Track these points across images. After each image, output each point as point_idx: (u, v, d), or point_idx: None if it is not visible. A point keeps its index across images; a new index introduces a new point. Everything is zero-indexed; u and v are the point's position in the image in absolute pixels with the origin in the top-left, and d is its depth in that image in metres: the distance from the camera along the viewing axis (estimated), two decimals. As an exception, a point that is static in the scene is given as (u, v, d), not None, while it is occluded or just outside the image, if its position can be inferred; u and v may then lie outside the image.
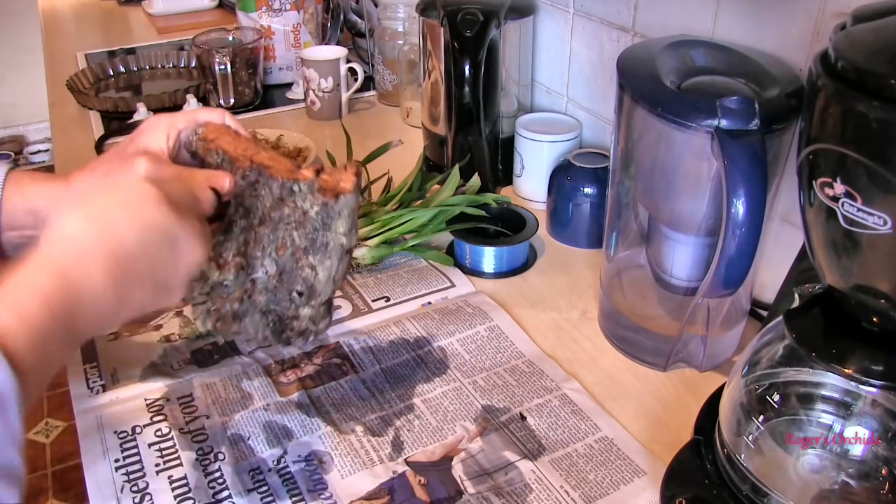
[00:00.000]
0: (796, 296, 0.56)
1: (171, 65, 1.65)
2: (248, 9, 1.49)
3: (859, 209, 0.44)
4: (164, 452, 0.69)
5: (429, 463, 0.67)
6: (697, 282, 0.71)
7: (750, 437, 0.57)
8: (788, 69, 0.70)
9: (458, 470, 0.67)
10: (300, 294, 0.63)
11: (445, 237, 0.98)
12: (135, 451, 0.69)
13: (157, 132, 0.67)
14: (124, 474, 0.67)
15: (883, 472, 0.54)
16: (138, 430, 0.71)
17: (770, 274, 0.77)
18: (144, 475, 0.67)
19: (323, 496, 0.65)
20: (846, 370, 0.50)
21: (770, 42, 0.76)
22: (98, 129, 1.35)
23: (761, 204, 0.59)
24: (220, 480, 0.66)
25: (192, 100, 1.39)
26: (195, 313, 0.62)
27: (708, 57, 0.71)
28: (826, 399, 0.56)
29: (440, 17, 1.02)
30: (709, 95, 0.63)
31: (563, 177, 0.98)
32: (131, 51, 1.74)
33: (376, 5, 1.45)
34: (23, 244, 0.64)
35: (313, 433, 0.71)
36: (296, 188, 0.62)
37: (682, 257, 0.74)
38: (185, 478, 0.67)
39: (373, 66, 1.46)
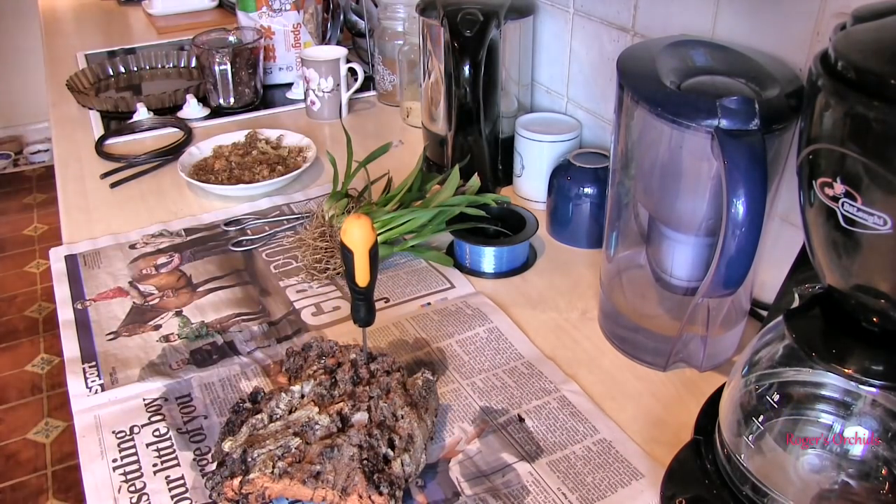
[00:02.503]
0: (796, 296, 0.56)
1: (171, 65, 1.65)
2: (248, 9, 1.49)
3: (859, 209, 0.44)
4: (161, 452, 0.69)
5: (426, 465, 0.67)
6: (697, 282, 0.70)
7: (750, 437, 0.57)
8: (788, 69, 0.69)
9: (455, 472, 0.66)
10: None
11: (445, 237, 0.98)
12: (133, 451, 0.69)
13: None
14: (122, 474, 0.67)
15: (883, 472, 0.54)
16: (136, 430, 0.71)
17: (770, 274, 0.77)
18: (142, 475, 0.67)
19: (321, 497, 0.64)
20: (846, 370, 0.49)
21: (770, 42, 0.76)
22: (98, 129, 1.35)
23: (761, 204, 0.59)
24: (219, 481, 0.66)
25: (191, 100, 1.39)
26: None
27: (708, 57, 0.71)
28: (826, 399, 0.56)
29: (440, 17, 1.02)
30: (709, 95, 0.63)
31: (563, 177, 0.98)
32: (131, 51, 1.74)
33: (376, 5, 1.45)
34: None
35: (312, 433, 0.71)
36: None
37: (682, 257, 0.74)
38: (182, 478, 0.66)
39: (373, 66, 1.46)
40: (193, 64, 1.62)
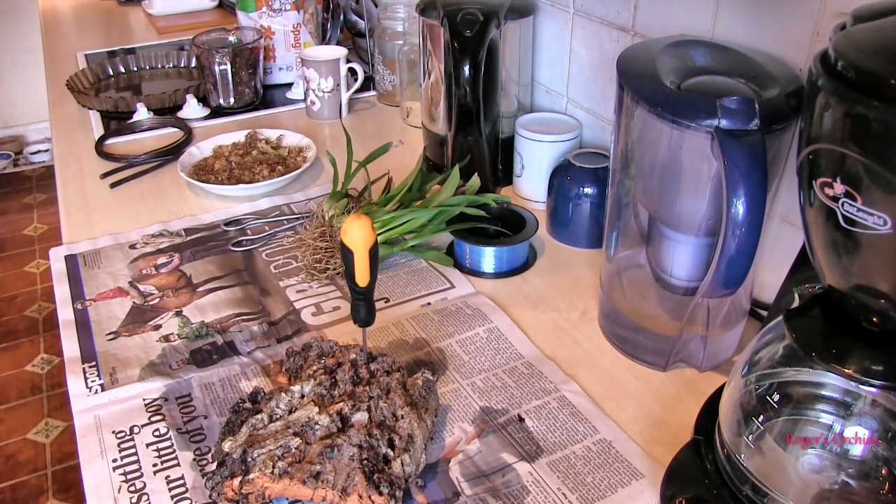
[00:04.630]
0: (796, 296, 0.56)
1: (171, 65, 1.65)
2: (248, 9, 1.49)
3: (859, 209, 0.44)
4: (161, 453, 0.69)
5: (426, 465, 0.67)
6: (697, 282, 0.70)
7: (750, 437, 0.57)
8: (788, 69, 0.69)
9: (455, 472, 0.66)
10: None
11: (445, 237, 0.98)
12: (132, 451, 0.69)
13: None
14: (122, 474, 0.67)
15: (883, 472, 0.54)
16: (136, 430, 0.71)
17: (770, 274, 0.77)
18: (142, 475, 0.67)
19: (321, 497, 0.64)
20: (846, 370, 0.49)
21: (770, 42, 0.76)
22: (98, 129, 1.35)
23: (761, 204, 0.59)
24: (219, 481, 0.66)
25: (191, 100, 1.39)
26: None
27: (708, 57, 0.71)
28: (826, 399, 0.56)
29: (440, 17, 1.02)
30: (709, 95, 0.63)
31: (563, 177, 0.98)
32: (131, 51, 1.74)
33: (376, 5, 1.45)
34: None
35: (312, 433, 0.71)
36: None
37: (682, 257, 0.74)
38: (182, 478, 0.66)
39: (373, 66, 1.46)
40: (193, 64, 1.62)
